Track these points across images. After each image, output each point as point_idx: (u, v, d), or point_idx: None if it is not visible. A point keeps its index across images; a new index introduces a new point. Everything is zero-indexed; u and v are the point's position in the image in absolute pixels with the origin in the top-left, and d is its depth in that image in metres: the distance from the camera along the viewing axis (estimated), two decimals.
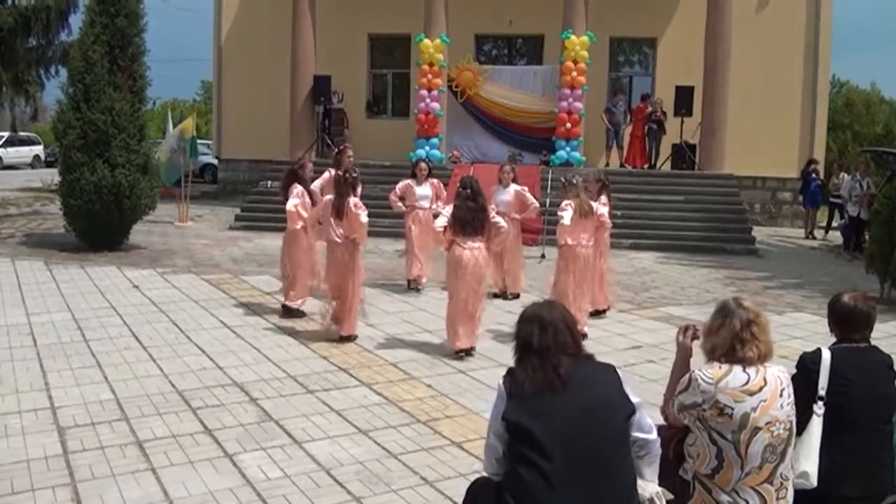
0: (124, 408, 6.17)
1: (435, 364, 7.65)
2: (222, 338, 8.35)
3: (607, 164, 21.13)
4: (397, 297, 10.76)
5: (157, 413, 6.08)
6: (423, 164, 11.90)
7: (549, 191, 16.62)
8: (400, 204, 11.53)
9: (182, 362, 7.46)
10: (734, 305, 3.55)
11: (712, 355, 3.53)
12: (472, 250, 7.86)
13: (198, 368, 7.28)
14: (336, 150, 11.04)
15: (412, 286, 11.25)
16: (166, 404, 6.29)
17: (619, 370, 3.37)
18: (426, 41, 20.14)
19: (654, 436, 3.35)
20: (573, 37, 19.60)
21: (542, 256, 14.61)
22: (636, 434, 3.29)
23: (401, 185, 11.64)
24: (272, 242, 15.70)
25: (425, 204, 11.42)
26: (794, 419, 3.49)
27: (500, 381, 3.36)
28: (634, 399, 3.28)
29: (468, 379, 7.24)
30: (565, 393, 3.16)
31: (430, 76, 20.21)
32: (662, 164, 20.50)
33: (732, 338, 3.47)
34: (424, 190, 11.49)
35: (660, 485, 3.39)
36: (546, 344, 3.27)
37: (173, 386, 6.75)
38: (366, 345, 8.27)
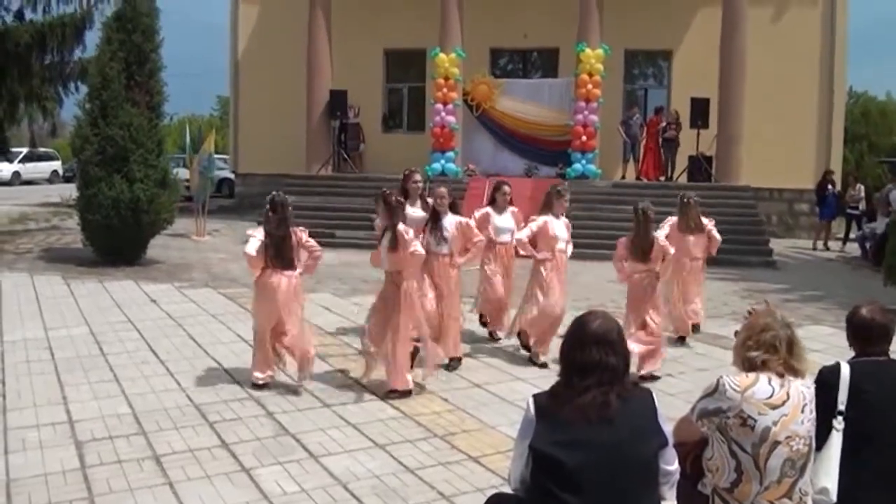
0: (141, 422, 6.19)
1: (451, 378, 7.63)
2: (239, 351, 8.35)
3: (623, 177, 21.12)
4: None
5: (175, 427, 6.09)
6: (506, 188, 8.97)
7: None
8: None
9: (199, 376, 7.47)
10: (781, 318, 3.53)
11: (745, 351, 3.50)
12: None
13: (215, 382, 7.28)
14: (403, 174, 8.90)
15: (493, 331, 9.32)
16: (183, 418, 6.30)
17: (654, 395, 3.25)
18: (441, 55, 20.19)
19: (676, 466, 3.30)
20: (588, 50, 19.61)
21: None
22: (663, 466, 3.19)
23: (478, 215, 8.81)
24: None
25: (507, 238, 8.83)
26: (813, 435, 3.46)
27: (529, 402, 3.20)
28: (666, 429, 3.20)
29: (485, 393, 7.21)
30: (604, 426, 3.04)
31: (445, 90, 20.25)
32: (679, 177, 20.45)
33: (773, 344, 3.44)
34: (506, 220, 8.91)
35: (677, 501, 3.35)
36: (609, 374, 3.10)
37: (190, 400, 6.77)
38: None
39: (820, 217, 20.44)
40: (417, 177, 8.72)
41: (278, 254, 7.02)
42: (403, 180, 8.73)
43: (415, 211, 8.32)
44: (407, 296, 6.91)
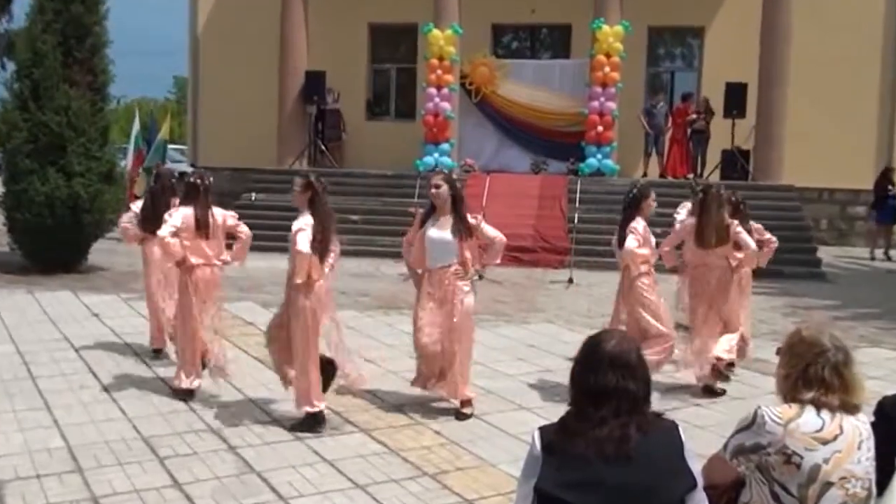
0: (77, 457, 6.11)
1: (445, 407, 7.58)
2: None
3: (645, 174, 21.13)
4: (400, 328, 10.69)
5: (118, 463, 6.02)
6: (653, 193, 8.44)
7: (577, 204, 16.59)
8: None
9: (149, 403, 7.43)
10: (829, 342, 3.47)
11: (792, 391, 3.45)
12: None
13: (167, 411, 7.24)
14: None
15: None
16: (129, 453, 6.24)
17: (681, 429, 3.23)
18: (436, 32, 20.22)
19: None
20: (605, 27, 19.67)
21: (570, 281, 14.57)
22: None
23: (641, 227, 8.14)
24: (256, 263, 15.62)
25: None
26: (873, 477, 3.42)
27: (535, 436, 3.19)
28: (695, 468, 3.17)
29: (483, 425, 7.17)
30: (622, 464, 3.02)
31: (439, 72, 20.29)
32: (710, 174, 20.46)
33: (823, 377, 3.39)
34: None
35: None
36: (628, 403, 3.09)
37: (137, 431, 6.70)
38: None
39: (877, 221, 20.42)
40: (437, 180, 7.38)
41: (148, 219, 8.66)
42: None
43: (439, 233, 7.23)
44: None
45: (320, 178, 7.05)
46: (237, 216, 8.13)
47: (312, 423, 6.85)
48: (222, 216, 7.92)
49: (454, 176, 7.47)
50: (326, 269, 7.03)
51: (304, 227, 6.72)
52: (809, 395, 3.40)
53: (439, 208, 7.26)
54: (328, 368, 7.10)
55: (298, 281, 6.68)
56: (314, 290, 6.82)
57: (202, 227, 7.69)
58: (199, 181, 7.80)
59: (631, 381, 3.11)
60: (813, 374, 3.41)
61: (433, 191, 7.29)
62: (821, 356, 3.43)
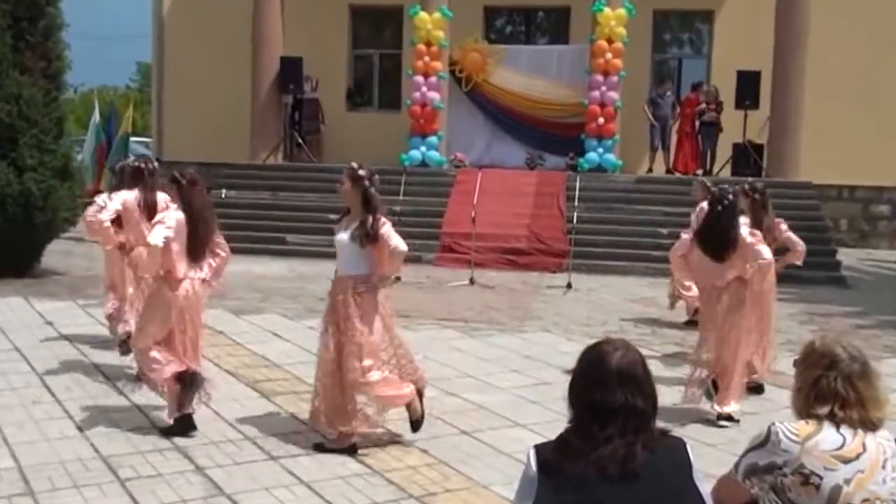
0: (29, 479, 6.07)
1: (432, 423, 7.54)
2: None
3: (650, 170, 21.14)
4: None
5: (74, 485, 5.99)
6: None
7: (577, 203, 16.58)
8: None
9: (108, 420, 7.37)
10: (843, 351, 3.46)
11: (805, 406, 3.45)
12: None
13: (129, 428, 7.19)
14: None
15: None
16: (86, 474, 6.20)
17: (689, 448, 3.22)
18: (423, 15, 20.20)
19: None
20: (607, 10, 19.68)
21: (568, 286, 14.56)
22: None
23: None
24: (227, 267, 15.64)
25: None
26: None
27: (531, 454, 3.17)
28: (704, 490, 3.16)
29: (474, 442, 7.16)
30: (626, 486, 3.01)
31: (427, 58, 20.28)
32: (721, 170, 20.48)
33: (837, 390, 3.38)
34: None
35: None
36: (635, 420, 3.08)
37: (96, 450, 6.67)
38: None
39: None
40: (342, 176, 7.16)
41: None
42: None
43: (343, 235, 6.93)
44: None
45: (185, 174, 7.12)
46: None
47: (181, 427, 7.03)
48: (165, 200, 8.20)
49: (362, 172, 6.98)
50: (202, 272, 7.15)
51: (163, 219, 6.98)
52: (824, 409, 3.38)
53: (351, 209, 6.99)
54: (193, 379, 7.05)
55: (145, 274, 7.18)
56: (179, 288, 6.96)
57: (147, 210, 8.23)
58: (143, 165, 8.56)
59: (639, 398, 3.10)
60: (825, 386, 3.39)
61: (338, 187, 7.13)
62: (832, 367, 3.41)
